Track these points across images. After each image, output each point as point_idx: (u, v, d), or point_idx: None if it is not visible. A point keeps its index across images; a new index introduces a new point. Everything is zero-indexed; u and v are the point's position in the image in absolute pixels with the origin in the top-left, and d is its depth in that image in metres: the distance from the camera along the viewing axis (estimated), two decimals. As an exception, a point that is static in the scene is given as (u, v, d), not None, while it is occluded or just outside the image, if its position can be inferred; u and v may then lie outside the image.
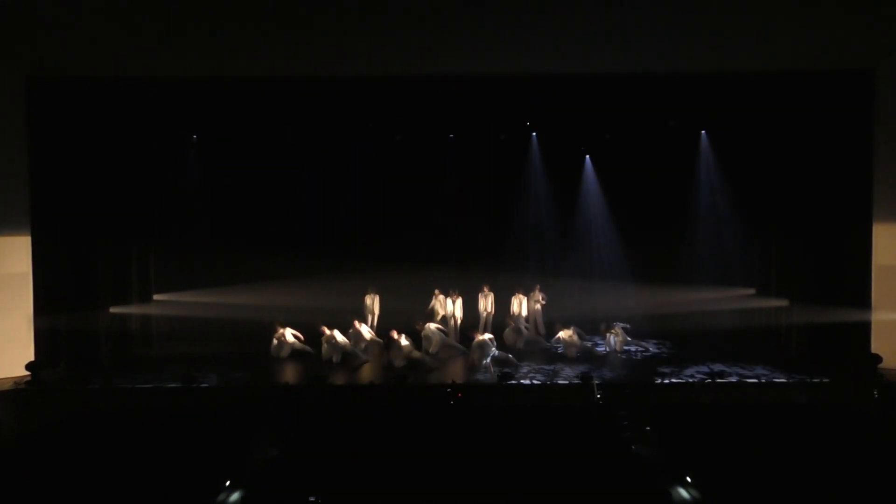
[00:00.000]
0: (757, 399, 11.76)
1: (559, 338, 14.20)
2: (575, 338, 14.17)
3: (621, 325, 14.68)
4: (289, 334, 14.48)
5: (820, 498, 7.48)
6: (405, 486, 7.76)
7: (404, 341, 13.60)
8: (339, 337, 14.07)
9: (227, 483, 8.37)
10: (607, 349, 14.50)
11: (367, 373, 13.50)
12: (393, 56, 12.89)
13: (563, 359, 14.01)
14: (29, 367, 12.74)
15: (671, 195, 16.53)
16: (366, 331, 14.63)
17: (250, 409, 11.23)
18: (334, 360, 13.94)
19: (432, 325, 14.39)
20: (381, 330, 14.82)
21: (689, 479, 8.24)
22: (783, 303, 14.98)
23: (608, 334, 14.58)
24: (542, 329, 15.89)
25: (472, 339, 13.77)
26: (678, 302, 15.47)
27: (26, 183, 13.24)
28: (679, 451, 9.03)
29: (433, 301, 15.71)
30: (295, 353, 14.50)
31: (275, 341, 14.50)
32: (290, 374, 13.35)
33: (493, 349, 13.49)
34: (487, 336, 13.72)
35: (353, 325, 14.56)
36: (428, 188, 17.04)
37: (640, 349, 14.67)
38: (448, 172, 16.95)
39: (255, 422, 10.65)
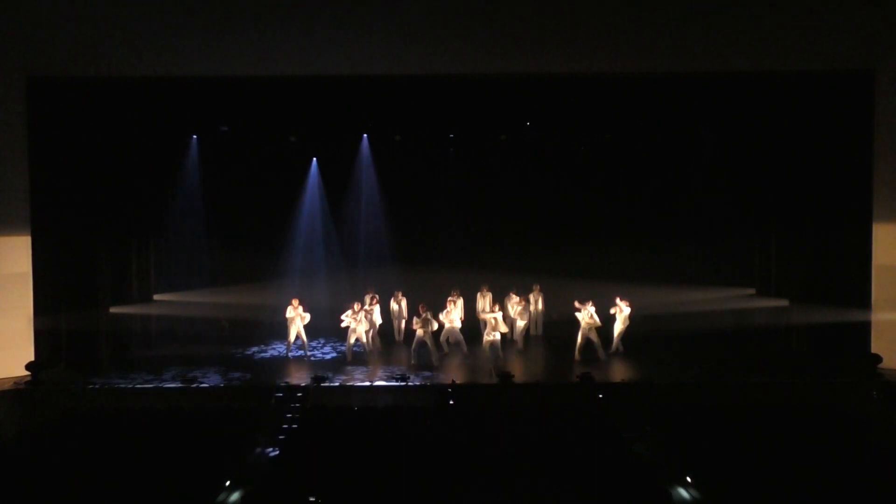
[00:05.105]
0: (757, 399, 11.76)
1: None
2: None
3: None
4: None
5: (819, 498, 7.49)
6: (404, 485, 7.77)
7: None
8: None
9: (227, 483, 8.39)
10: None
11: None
12: (393, 56, 12.89)
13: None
14: (29, 367, 12.73)
15: (671, 195, 16.55)
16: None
17: (250, 409, 11.26)
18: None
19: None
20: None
21: (689, 479, 8.26)
22: (783, 303, 14.99)
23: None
24: (539, 330, 15.88)
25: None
26: (678, 302, 15.46)
27: (26, 183, 13.24)
28: (679, 451, 9.05)
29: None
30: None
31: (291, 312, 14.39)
32: (289, 374, 13.34)
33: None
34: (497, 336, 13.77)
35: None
36: (427, 188, 17.07)
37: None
38: (448, 172, 17.01)
39: (255, 422, 10.68)
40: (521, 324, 15.08)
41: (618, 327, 14.30)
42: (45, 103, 13.29)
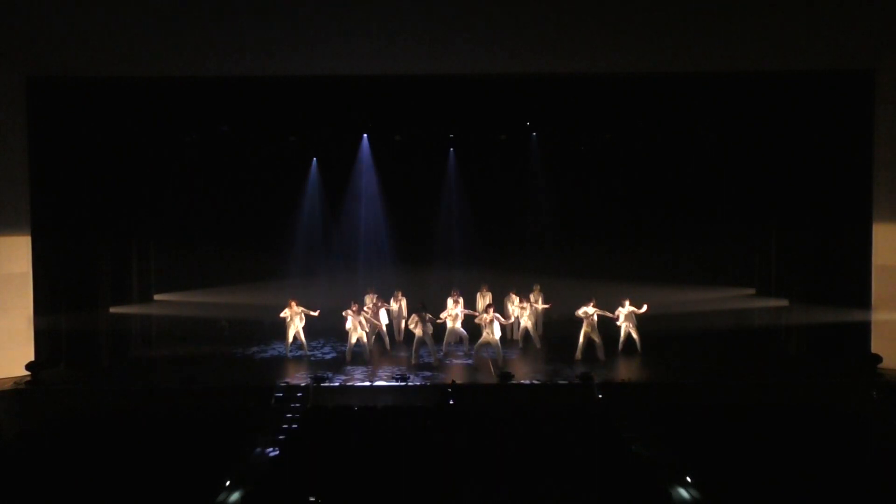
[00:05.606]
0: (757, 399, 11.75)
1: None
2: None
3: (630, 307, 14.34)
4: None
5: (819, 498, 7.49)
6: (404, 485, 7.77)
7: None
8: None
9: (227, 483, 8.39)
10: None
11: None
12: (393, 56, 12.88)
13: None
14: (29, 367, 12.73)
15: (671, 195, 16.54)
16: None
17: (250, 409, 11.26)
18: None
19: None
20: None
21: (689, 479, 8.26)
22: (783, 303, 15.00)
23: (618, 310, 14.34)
24: (539, 330, 15.86)
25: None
26: (678, 302, 15.46)
27: (26, 183, 13.24)
28: (679, 451, 9.05)
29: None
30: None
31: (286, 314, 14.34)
32: (289, 374, 13.34)
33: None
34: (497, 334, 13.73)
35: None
36: (427, 188, 17.07)
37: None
38: (448, 172, 17.01)
39: (255, 422, 10.68)
40: (521, 324, 15.10)
41: (625, 328, 14.30)
42: (45, 103, 13.31)
